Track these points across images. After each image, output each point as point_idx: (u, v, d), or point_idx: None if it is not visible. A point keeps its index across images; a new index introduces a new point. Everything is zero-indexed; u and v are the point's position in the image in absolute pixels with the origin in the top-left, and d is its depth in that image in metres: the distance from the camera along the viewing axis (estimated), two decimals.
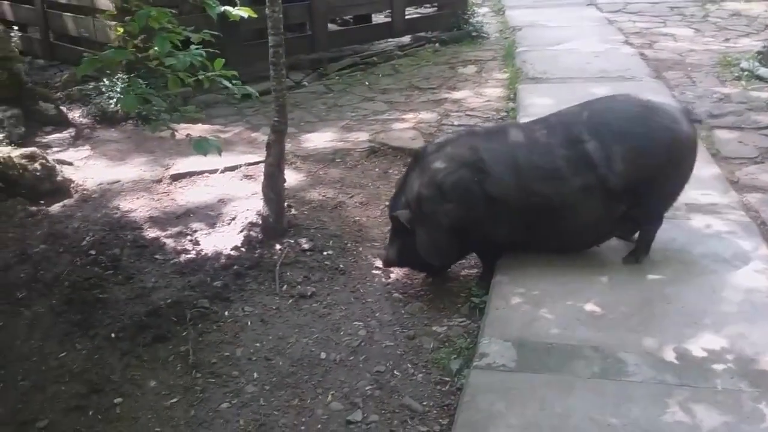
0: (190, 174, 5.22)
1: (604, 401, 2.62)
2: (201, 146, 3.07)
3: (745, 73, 6.77)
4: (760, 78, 6.61)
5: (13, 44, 6.03)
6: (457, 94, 6.93)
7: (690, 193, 4.22)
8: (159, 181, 5.18)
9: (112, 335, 3.41)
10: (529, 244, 3.64)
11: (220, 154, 3.16)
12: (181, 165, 5.38)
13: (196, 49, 3.12)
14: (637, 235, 3.64)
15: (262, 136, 5.97)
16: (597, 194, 3.32)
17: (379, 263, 3.96)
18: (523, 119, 5.67)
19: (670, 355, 2.84)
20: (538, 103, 6.07)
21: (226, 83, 3.21)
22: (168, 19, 3.00)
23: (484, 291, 3.57)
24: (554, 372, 2.81)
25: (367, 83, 7.62)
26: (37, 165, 4.78)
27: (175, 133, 3.13)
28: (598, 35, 8.78)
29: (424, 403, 2.94)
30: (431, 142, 4.05)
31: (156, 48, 3.03)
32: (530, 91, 6.51)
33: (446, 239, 3.55)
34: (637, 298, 3.27)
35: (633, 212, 3.45)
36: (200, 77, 3.15)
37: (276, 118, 4.17)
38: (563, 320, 3.13)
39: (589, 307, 3.23)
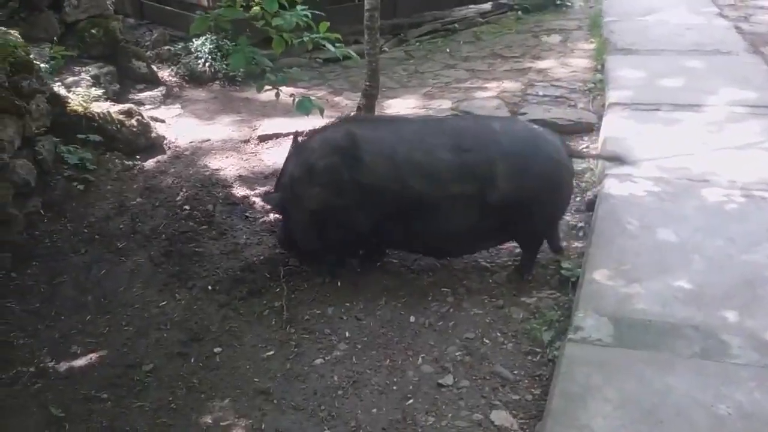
0: (276, 135, 5.31)
1: (706, 382, 2.57)
2: (304, 106, 3.11)
3: None
4: None
5: (108, 2, 6.19)
6: (541, 64, 6.78)
7: None
8: (247, 141, 5.29)
9: (209, 287, 3.55)
10: (396, 244, 3.60)
11: (322, 115, 3.19)
12: (267, 126, 5.48)
13: (302, 9, 3.14)
14: None
15: (345, 101, 6.03)
16: (474, 204, 3.28)
17: None
18: (613, 92, 5.55)
19: None
20: (629, 76, 5.88)
21: (329, 46, 3.22)
22: None
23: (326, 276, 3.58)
24: (652, 349, 2.76)
25: (448, 50, 7.53)
26: (133, 121, 4.95)
27: (280, 93, 3.18)
28: (689, 6, 8.41)
29: (515, 372, 2.95)
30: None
31: (262, 7, 3.07)
32: (619, 63, 6.30)
33: (311, 223, 3.44)
34: (737, 279, 3.17)
35: (514, 232, 3.51)
36: (304, 39, 3.16)
37: (368, 83, 4.20)
38: (661, 297, 3.07)
39: (687, 285, 3.15)
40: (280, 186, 3.61)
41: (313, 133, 3.55)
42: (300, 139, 3.59)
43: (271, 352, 3.11)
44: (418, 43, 7.81)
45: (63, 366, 3.09)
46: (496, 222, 3.35)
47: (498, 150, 3.27)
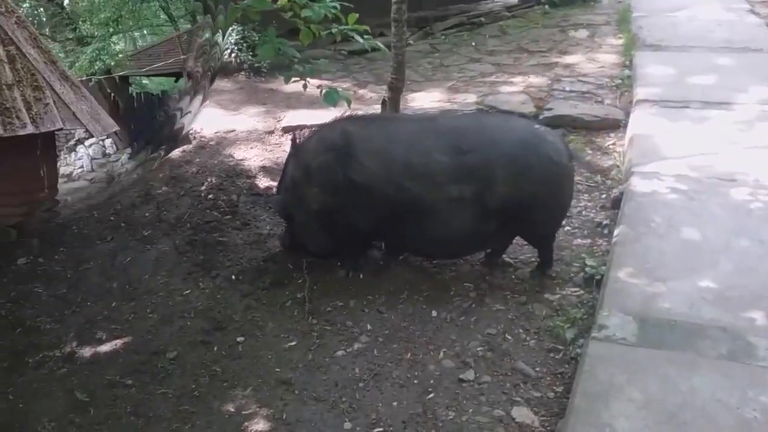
0: (301, 127, 5.28)
1: (732, 384, 2.54)
2: (331, 98, 3.11)
3: None
4: None
5: None
6: (568, 59, 6.70)
7: None
8: (271, 132, 5.31)
9: (233, 277, 3.58)
10: (396, 244, 3.58)
11: (349, 106, 3.20)
12: (292, 117, 5.50)
13: (330, 1, 3.13)
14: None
15: (370, 93, 6.02)
16: (471, 207, 3.24)
17: None
18: (641, 88, 5.47)
19: None
20: (657, 72, 5.80)
21: (357, 38, 3.21)
22: None
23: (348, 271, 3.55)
24: (678, 350, 2.73)
25: (473, 44, 7.48)
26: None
27: (307, 84, 3.18)
28: (720, 2, 8.24)
29: (537, 369, 2.93)
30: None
31: None
32: (648, 59, 6.22)
33: (316, 224, 3.42)
34: (766, 281, 3.12)
35: (519, 234, 3.53)
36: (333, 30, 3.16)
37: (393, 75, 4.18)
38: (687, 297, 3.03)
39: (714, 285, 3.10)
40: (281, 188, 3.60)
41: (311, 133, 3.55)
42: (298, 140, 3.57)
43: (293, 343, 3.13)
44: (443, 37, 7.77)
45: (88, 351, 3.14)
46: (497, 224, 3.32)
47: (497, 152, 3.24)
